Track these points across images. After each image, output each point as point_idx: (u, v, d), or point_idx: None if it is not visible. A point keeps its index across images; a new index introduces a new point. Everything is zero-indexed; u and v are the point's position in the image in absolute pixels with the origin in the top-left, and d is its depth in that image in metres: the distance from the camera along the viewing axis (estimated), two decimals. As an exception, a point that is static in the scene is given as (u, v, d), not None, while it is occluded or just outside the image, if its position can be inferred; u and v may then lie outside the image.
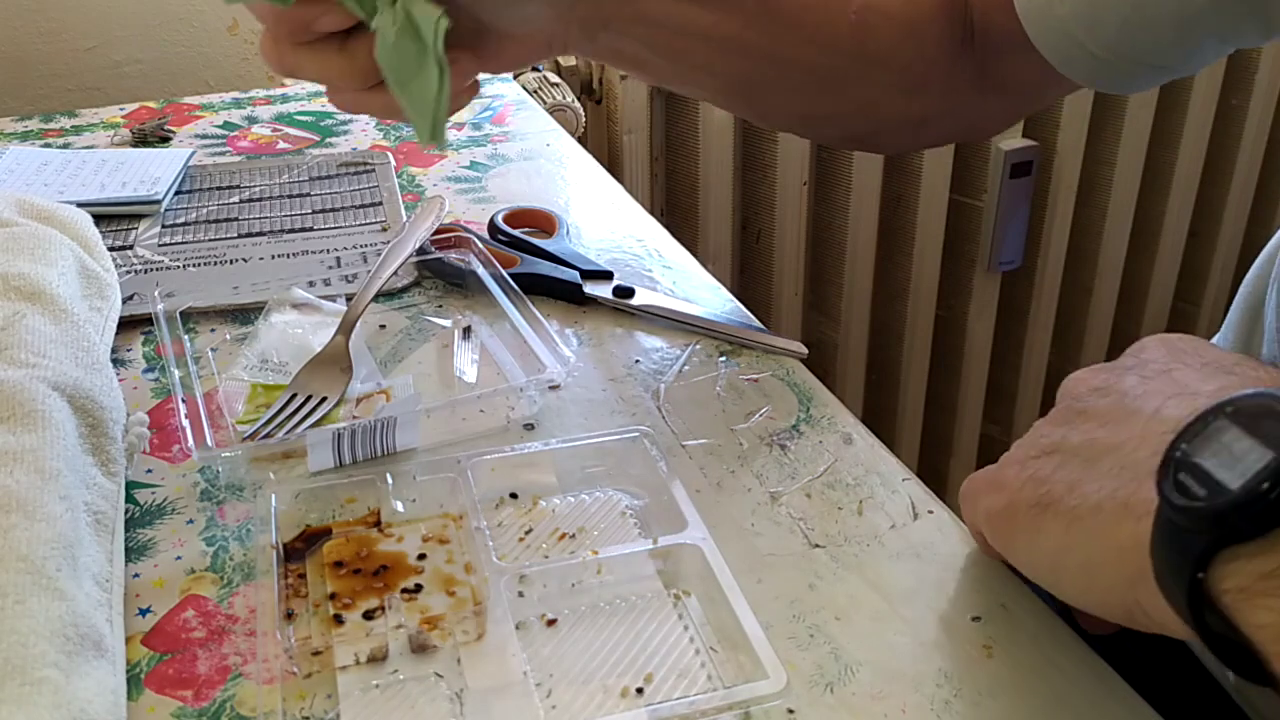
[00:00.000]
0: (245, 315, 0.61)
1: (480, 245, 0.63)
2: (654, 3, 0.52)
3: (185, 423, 0.50)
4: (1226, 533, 0.27)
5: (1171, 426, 0.32)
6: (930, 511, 0.47)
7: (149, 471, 0.50)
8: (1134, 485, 0.33)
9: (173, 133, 0.86)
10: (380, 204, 0.75)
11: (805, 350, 0.59)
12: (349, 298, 0.60)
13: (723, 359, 0.59)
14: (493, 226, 0.70)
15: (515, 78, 1.09)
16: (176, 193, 0.76)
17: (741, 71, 0.57)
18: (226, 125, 0.89)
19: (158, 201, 0.73)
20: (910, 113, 0.60)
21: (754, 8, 0.54)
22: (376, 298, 0.62)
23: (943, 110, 0.60)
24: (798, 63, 0.57)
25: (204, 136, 0.86)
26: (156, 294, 0.59)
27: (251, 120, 0.90)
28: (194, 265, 0.67)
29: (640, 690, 0.39)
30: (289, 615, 0.42)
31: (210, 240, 0.70)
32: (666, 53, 0.56)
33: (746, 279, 1.35)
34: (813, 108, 0.60)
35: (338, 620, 0.41)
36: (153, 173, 0.77)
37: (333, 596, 0.42)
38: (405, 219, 0.71)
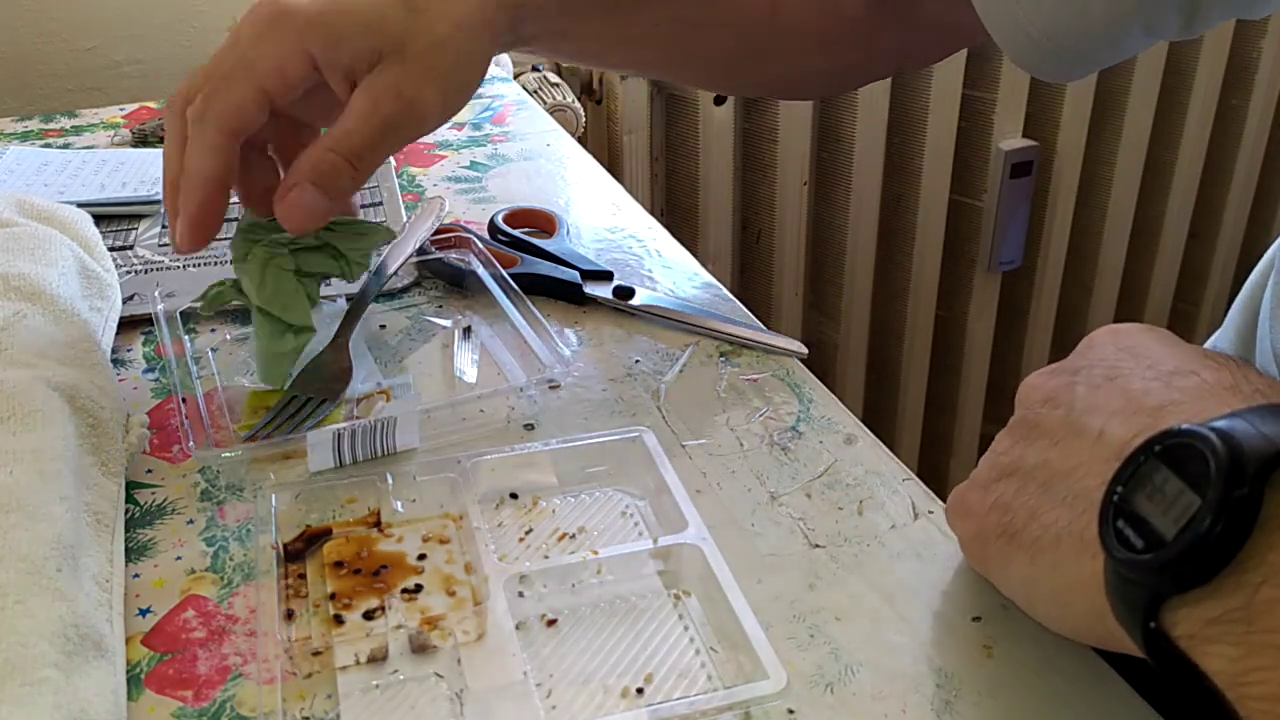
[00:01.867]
0: (245, 315, 0.61)
1: (480, 245, 0.63)
2: (564, 19, 0.54)
3: (185, 423, 0.50)
4: (1169, 583, 0.28)
5: (1116, 452, 0.32)
6: (930, 512, 0.47)
7: (149, 472, 0.50)
8: (1087, 518, 0.32)
9: (173, 133, 0.86)
10: (380, 204, 0.75)
11: (805, 350, 0.59)
12: (349, 298, 0.60)
13: (723, 359, 0.59)
14: (493, 226, 0.70)
15: (515, 77, 1.09)
16: (176, 193, 0.76)
17: (658, 59, 0.59)
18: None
19: (158, 202, 0.73)
20: (831, 66, 0.61)
21: (660, 15, 0.56)
22: (376, 298, 0.62)
23: (865, 58, 0.61)
24: (714, 46, 0.58)
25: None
26: (156, 294, 0.59)
27: (251, 120, 0.89)
28: (194, 265, 0.67)
29: (640, 690, 0.39)
30: (289, 615, 0.42)
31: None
32: (581, 55, 0.60)
33: (746, 279, 1.35)
34: (734, 77, 0.62)
35: (338, 620, 0.41)
36: (153, 173, 0.77)
37: (333, 596, 0.42)
38: (405, 219, 0.71)
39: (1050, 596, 0.35)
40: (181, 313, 0.58)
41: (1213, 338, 0.69)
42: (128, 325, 0.60)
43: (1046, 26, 0.50)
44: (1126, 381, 0.35)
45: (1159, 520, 0.28)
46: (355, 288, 0.60)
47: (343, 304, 0.61)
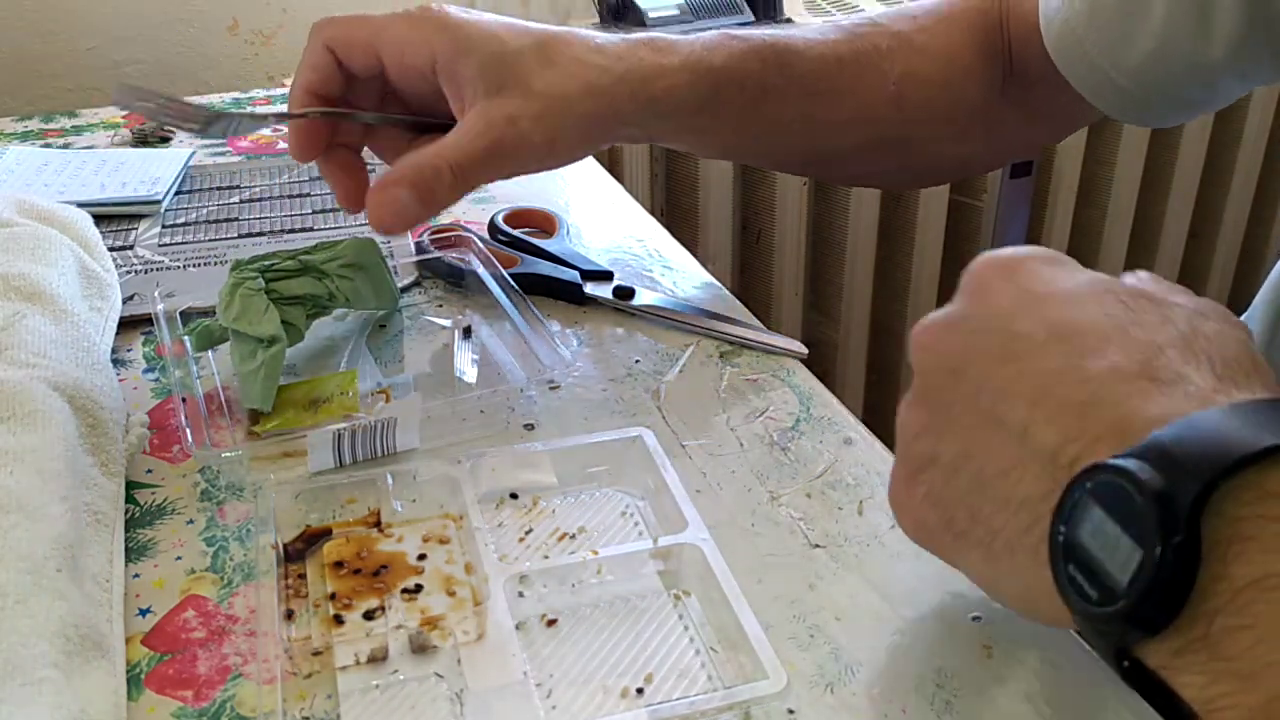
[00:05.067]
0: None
1: (480, 245, 0.63)
2: (700, 118, 0.56)
3: (185, 423, 0.50)
4: (1133, 631, 0.28)
5: (1047, 460, 0.31)
6: (930, 511, 0.47)
7: (149, 472, 0.50)
8: (1038, 530, 0.32)
9: (173, 133, 0.86)
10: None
11: (805, 350, 0.59)
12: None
13: (722, 359, 0.59)
14: (493, 226, 0.70)
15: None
16: (177, 193, 0.76)
17: (794, 157, 0.62)
18: (226, 125, 0.88)
19: (158, 202, 0.73)
20: (958, 155, 0.64)
21: (799, 96, 0.57)
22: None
23: (989, 145, 0.64)
24: (845, 141, 0.60)
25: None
26: (156, 294, 0.59)
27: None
28: (194, 265, 0.67)
29: (640, 690, 0.39)
30: (289, 615, 0.42)
31: (210, 240, 0.70)
32: (715, 151, 0.61)
33: (746, 279, 1.35)
34: (868, 169, 0.64)
35: (338, 620, 0.41)
36: (153, 173, 0.77)
37: (333, 596, 0.42)
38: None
39: (1018, 596, 0.35)
40: (181, 313, 0.58)
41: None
42: (128, 325, 0.60)
43: (1133, 73, 0.54)
44: (1036, 361, 0.33)
45: (1108, 567, 0.28)
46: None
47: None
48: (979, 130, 0.62)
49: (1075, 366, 0.32)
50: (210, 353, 0.58)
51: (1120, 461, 0.28)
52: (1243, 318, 0.66)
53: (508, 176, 0.53)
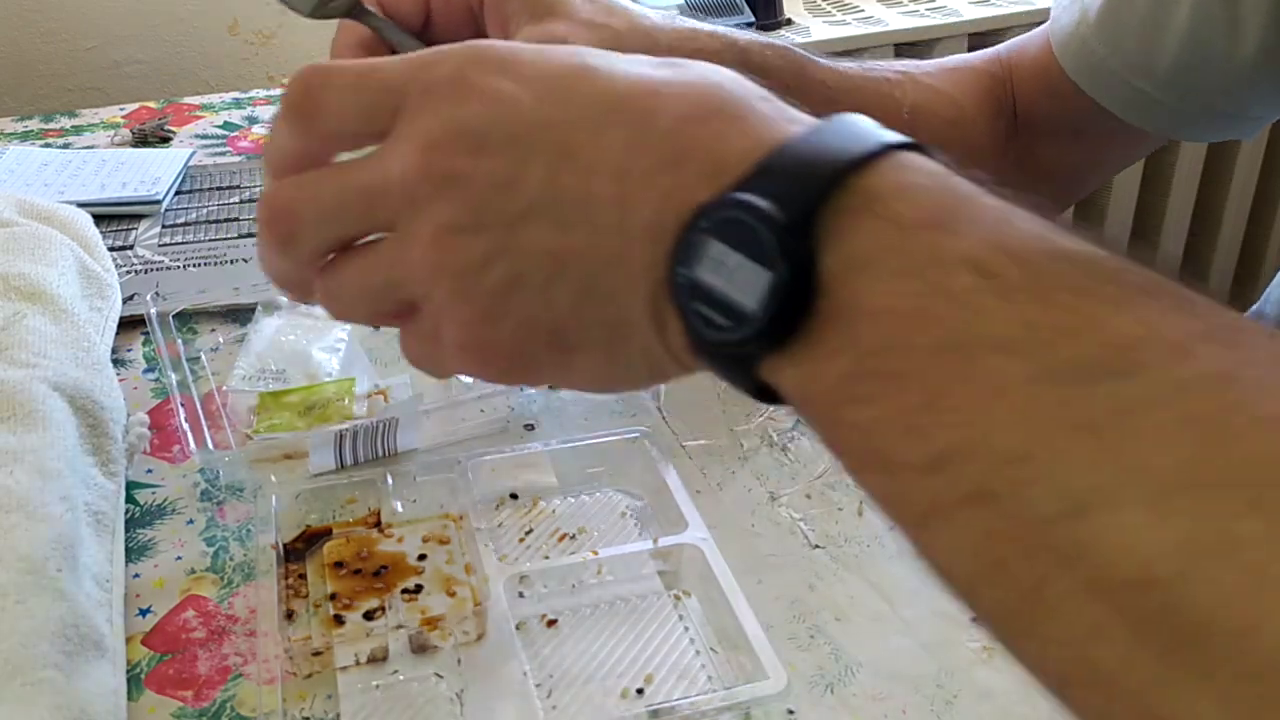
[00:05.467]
0: (245, 315, 0.61)
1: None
2: None
3: (185, 425, 0.50)
4: (762, 348, 0.28)
5: (653, 222, 0.30)
6: (930, 512, 0.47)
7: (149, 472, 0.50)
8: (659, 298, 0.30)
9: (173, 133, 0.86)
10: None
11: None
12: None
13: (723, 359, 0.59)
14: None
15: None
16: (177, 193, 0.76)
17: None
18: (227, 125, 0.89)
19: (158, 202, 0.73)
20: None
21: (819, 104, 0.56)
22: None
23: None
24: None
25: (204, 136, 0.86)
26: (149, 297, 0.59)
27: (252, 120, 0.90)
28: (194, 265, 0.67)
29: (640, 691, 0.39)
30: (289, 616, 0.42)
31: (210, 240, 0.70)
32: None
33: (746, 279, 1.34)
34: None
35: (338, 621, 0.41)
36: (153, 173, 0.77)
37: (333, 597, 0.42)
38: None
39: (646, 374, 0.33)
40: (178, 314, 0.58)
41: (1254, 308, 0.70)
42: (128, 325, 0.60)
43: (1164, 81, 0.54)
44: (599, 143, 0.31)
45: (736, 295, 0.28)
46: None
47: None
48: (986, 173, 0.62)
49: (644, 129, 0.30)
50: (209, 353, 0.58)
51: (733, 196, 0.28)
52: (1253, 309, 0.67)
53: None
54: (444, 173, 0.32)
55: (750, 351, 0.28)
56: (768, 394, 0.29)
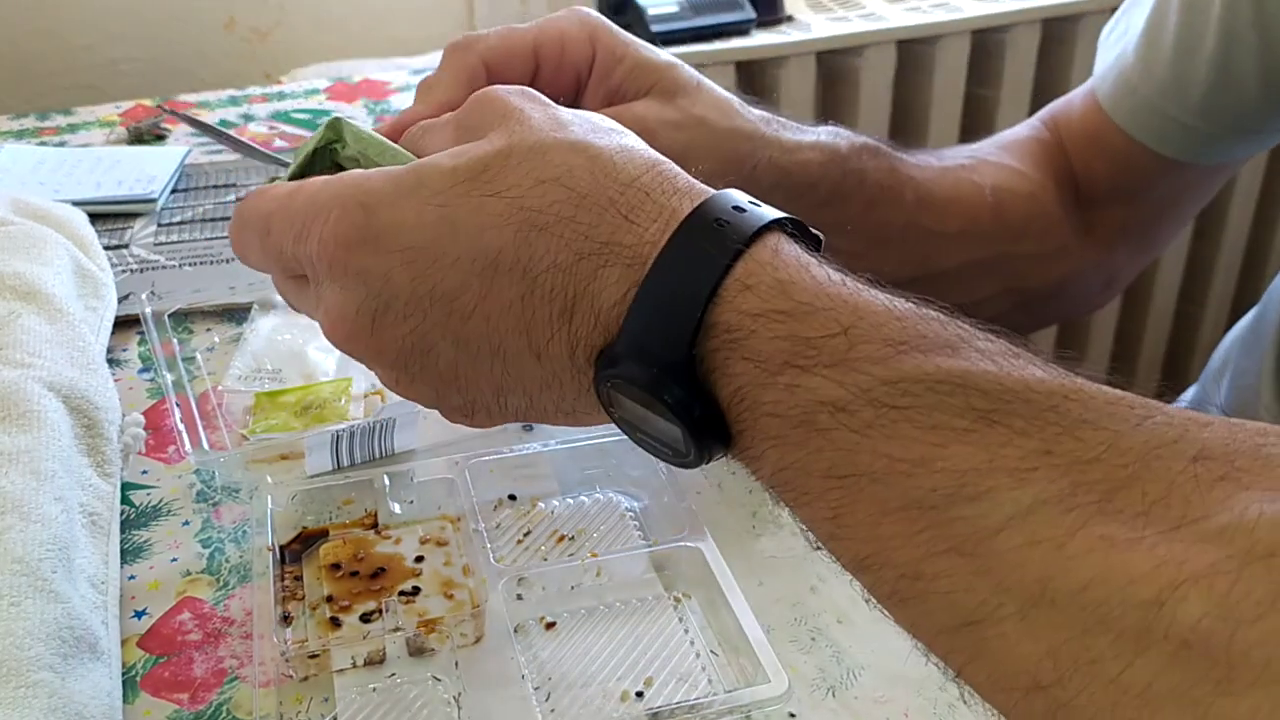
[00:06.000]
0: (241, 315, 0.61)
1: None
2: (827, 210, 0.53)
3: (181, 426, 0.49)
4: (711, 462, 0.33)
5: (569, 365, 0.33)
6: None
7: (144, 473, 0.50)
8: (586, 400, 0.34)
9: (168, 131, 0.86)
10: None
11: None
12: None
13: (722, 359, 0.58)
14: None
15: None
16: (172, 191, 0.76)
17: (898, 268, 0.58)
18: (223, 123, 0.88)
19: (153, 200, 0.73)
20: (1052, 279, 0.63)
21: (912, 203, 0.57)
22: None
23: (1078, 270, 0.63)
24: (948, 259, 0.60)
25: (200, 134, 0.86)
26: (145, 296, 0.59)
27: (248, 118, 0.89)
28: (190, 264, 0.66)
29: (640, 694, 0.39)
30: (286, 618, 0.42)
31: (206, 239, 0.70)
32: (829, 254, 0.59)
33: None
34: (968, 292, 0.62)
35: (335, 623, 0.41)
36: (148, 171, 0.76)
37: (330, 599, 0.42)
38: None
39: (567, 419, 0.37)
40: (173, 313, 0.58)
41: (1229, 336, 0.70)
42: (123, 325, 0.60)
43: (1197, 108, 0.56)
44: (496, 298, 0.33)
45: (664, 439, 0.32)
46: None
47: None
48: (1069, 248, 0.62)
49: (526, 285, 0.32)
50: (205, 353, 0.58)
51: (613, 370, 0.31)
52: (1253, 312, 0.67)
53: None
54: (355, 346, 0.35)
55: (703, 463, 0.32)
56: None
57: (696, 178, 0.48)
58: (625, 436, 0.35)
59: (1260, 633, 0.21)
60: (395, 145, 0.41)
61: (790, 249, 0.31)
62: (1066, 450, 0.26)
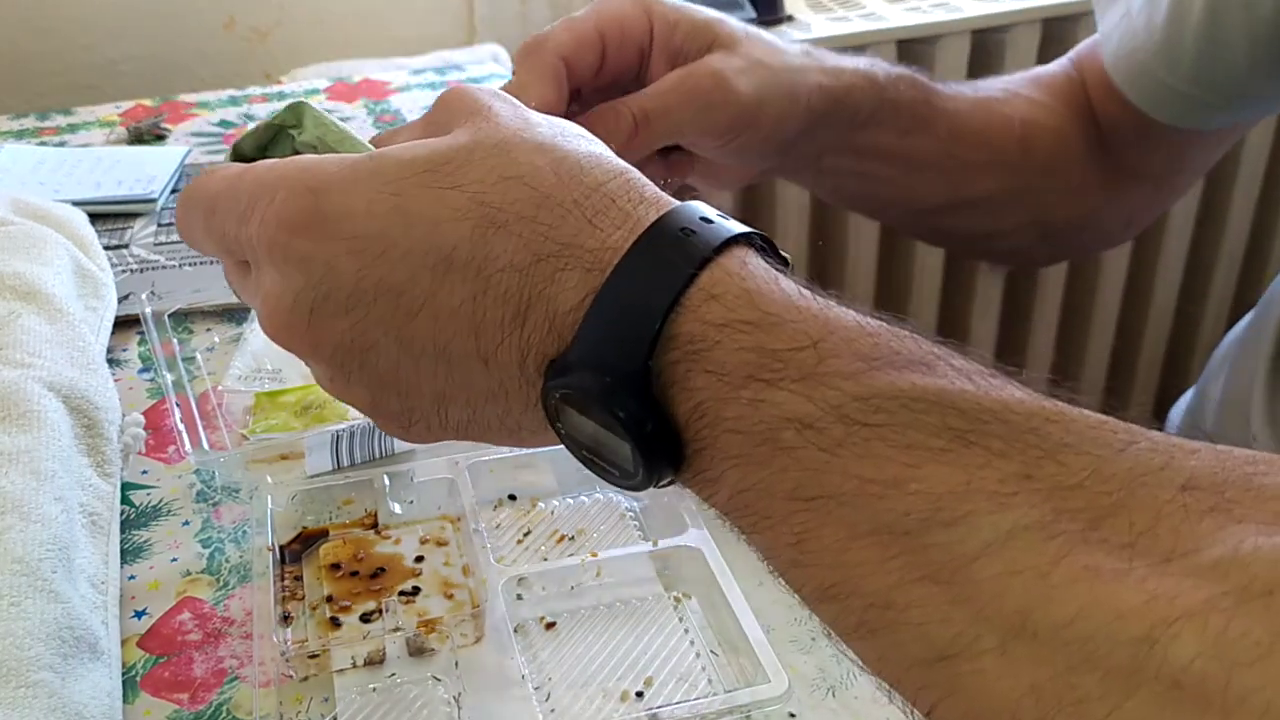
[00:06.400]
0: (241, 315, 0.61)
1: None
2: (864, 133, 0.55)
3: (181, 426, 0.49)
4: (657, 483, 0.30)
5: (518, 374, 0.31)
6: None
7: (144, 473, 0.50)
8: (548, 426, 0.32)
9: (168, 130, 0.86)
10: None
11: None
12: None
13: (722, 359, 0.58)
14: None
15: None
16: (172, 191, 0.76)
17: (929, 195, 0.61)
18: (223, 123, 0.88)
19: (153, 200, 0.73)
20: (1075, 214, 0.65)
21: (945, 132, 0.58)
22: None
23: (1100, 207, 0.65)
24: (977, 188, 0.61)
25: (200, 134, 0.86)
26: (145, 296, 0.59)
27: (248, 118, 0.89)
28: (190, 264, 0.66)
29: (640, 694, 0.39)
30: (286, 618, 0.42)
31: (207, 239, 0.70)
32: (865, 180, 0.60)
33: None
34: (984, 223, 0.64)
35: (335, 623, 0.41)
36: (148, 171, 0.76)
37: (330, 599, 0.42)
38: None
39: (508, 436, 0.34)
40: (173, 313, 0.58)
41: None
42: (123, 325, 0.60)
43: (1188, 75, 0.56)
44: (442, 303, 0.31)
45: (611, 457, 0.30)
46: None
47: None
48: (1091, 185, 0.64)
49: (478, 285, 0.31)
50: (205, 353, 0.58)
51: (563, 380, 0.30)
52: (1252, 312, 0.67)
53: (704, 134, 0.49)
54: (294, 339, 0.33)
55: (649, 486, 0.30)
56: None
57: (766, 124, 0.49)
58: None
59: (1258, 676, 0.20)
60: (356, 135, 0.40)
61: (758, 262, 0.30)
62: (1048, 475, 0.24)
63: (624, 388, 0.28)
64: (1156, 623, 0.21)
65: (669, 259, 0.29)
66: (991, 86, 0.63)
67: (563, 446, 0.32)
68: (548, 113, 0.39)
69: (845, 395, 0.26)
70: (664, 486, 0.30)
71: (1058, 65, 0.65)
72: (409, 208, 0.31)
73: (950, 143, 0.58)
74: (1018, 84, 0.64)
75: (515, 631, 0.41)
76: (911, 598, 0.25)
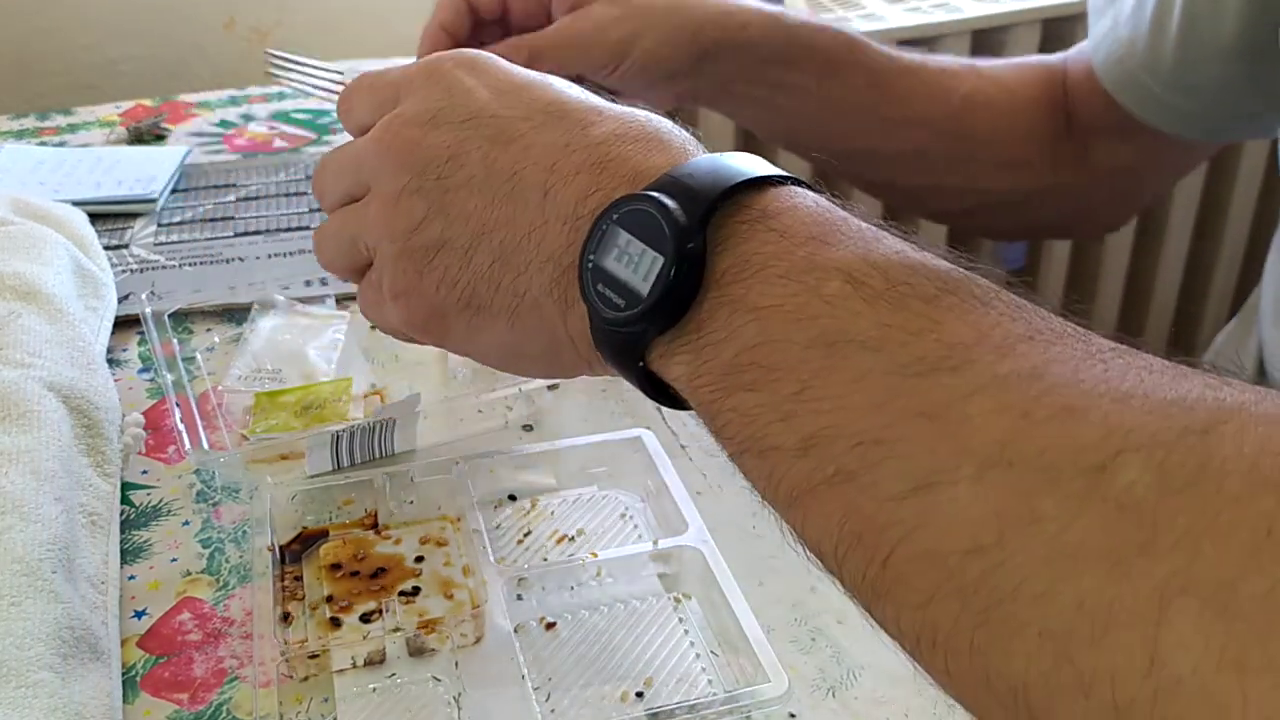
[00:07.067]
0: (241, 315, 0.61)
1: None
2: (776, 69, 0.61)
3: (181, 426, 0.49)
4: (650, 329, 0.32)
5: (568, 214, 0.35)
6: (932, 513, 0.47)
7: (144, 473, 0.50)
8: (565, 282, 0.35)
9: (168, 130, 0.86)
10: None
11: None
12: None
13: (723, 359, 0.58)
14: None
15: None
16: (172, 191, 0.76)
17: (854, 140, 0.65)
18: (223, 123, 0.88)
19: (153, 200, 0.73)
20: (1009, 189, 0.67)
21: (863, 84, 0.62)
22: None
23: (1043, 190, 0.67)
24: (902, 143, 0.65)
25: (200, 134, 0.86)
26: (144, 296, 0.59)
27: (248, 118, 0.89)
28: (190, 264, 0.66)
29: (640, 694, 0.39)
30: (285, 618, 0.42)
31: (206, 239, 0.70)
32: (784, 115, 0.65)
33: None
34: (916, 179, 0.68)
35: (335, 623, 0.41)
36: (148, 171, 0.76)
37: (330, 599, 0.42)
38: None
39: (538, 354, 0.38)
40: (173, 313, 0.58)
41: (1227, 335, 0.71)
42: (123, 325, 0.60)
43: (1168, 80, 0.58)
44: (539, 137, 0.36)
45: (632, 278, 0.32)
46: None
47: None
48: (1035, 166, 0.66)
49: (579, 136, 0.36)
50: (205, 353, 0.58)
51: (642, 192, 0.32)
52: (1243, 310, 0.67)
53: (582, 74, 0.56)
54: (400, 143, 0.38)
55: (640, 331, 0.32)
56: (658, 388, 0.33)
57: (642, 57, 0.58)
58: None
59: (1183, 501, 0.22)
60: None
61: (821, 192, 0.33)
62: (1048, 335, 0.27)
63: (688, 215, 0.31)
64: (1110, 453, 0.24)
65: (758, 164, 0.33)
66: (956, 61, 0.66)
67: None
68: (451, 32, 0.56)
69: (893, 263, 0.29)
70: (640, 359, 0.33)
71: (1046, 58, 0.67)
72: (552, 80, 0.39)
73: (869, 94, 0.62)
74: (995, 63, 0.67)
75: (515, 631, 0.41)
76: (903, 432, 0.26)
